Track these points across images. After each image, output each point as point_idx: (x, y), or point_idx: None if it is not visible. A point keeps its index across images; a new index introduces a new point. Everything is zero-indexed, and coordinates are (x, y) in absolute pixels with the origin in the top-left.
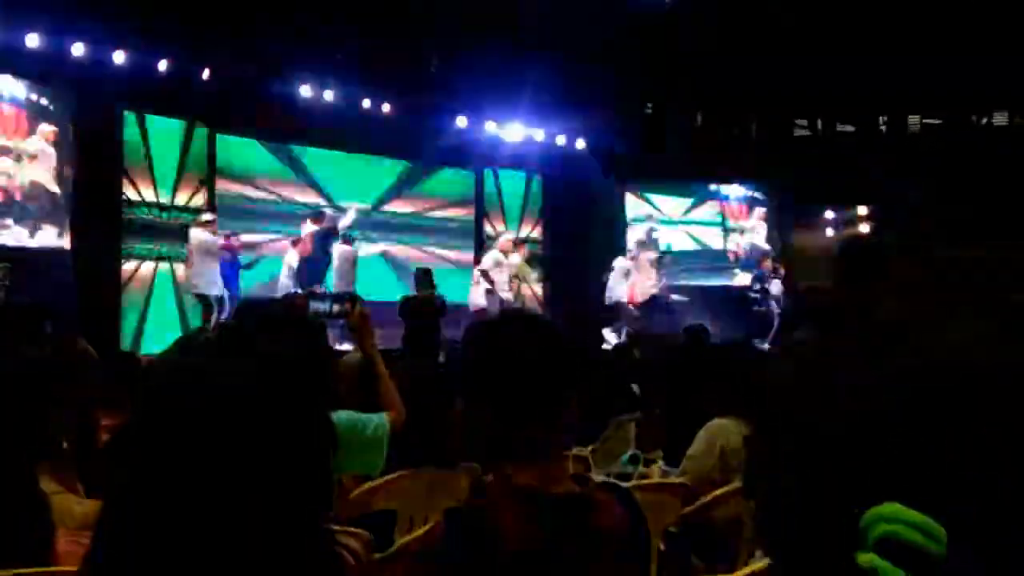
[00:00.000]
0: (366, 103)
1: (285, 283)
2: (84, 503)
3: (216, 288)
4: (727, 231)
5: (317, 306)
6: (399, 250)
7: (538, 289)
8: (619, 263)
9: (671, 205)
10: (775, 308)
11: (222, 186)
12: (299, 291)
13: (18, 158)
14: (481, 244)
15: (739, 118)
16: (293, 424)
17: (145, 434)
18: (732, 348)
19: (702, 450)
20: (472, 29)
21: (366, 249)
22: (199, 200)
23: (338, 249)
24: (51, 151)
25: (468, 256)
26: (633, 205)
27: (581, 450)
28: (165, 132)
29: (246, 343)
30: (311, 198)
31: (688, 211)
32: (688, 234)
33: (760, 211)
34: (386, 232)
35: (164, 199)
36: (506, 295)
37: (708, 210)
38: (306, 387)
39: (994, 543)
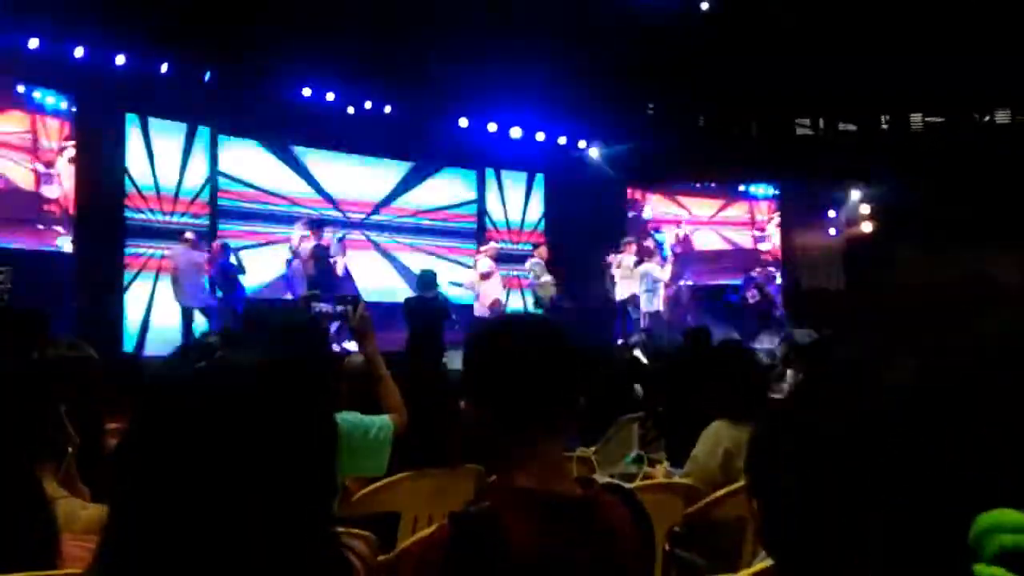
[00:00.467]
0: (367, 104)
1: (286, 290)
2: (89, 507)
3: (198, 301)
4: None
5: (319, 308)
6: (401, 251)
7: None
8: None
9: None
10: (763, 306)
11: (224, 188)
12: (303, 293)
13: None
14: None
15: (741, 118)
16: (297, 427)
17: (149, 438)
18: (732, 348)
19: (705, 451)
20: (473, 29)
21: (368, 252)
22: (201, 203)
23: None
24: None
25: (471, 257)
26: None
27: (584, 451)
28: (167, 134)
29: (248, 348)
30: (313, 200)
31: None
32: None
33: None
34: (388, 233)
35: (166, 202)
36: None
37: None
38: (309, 390)
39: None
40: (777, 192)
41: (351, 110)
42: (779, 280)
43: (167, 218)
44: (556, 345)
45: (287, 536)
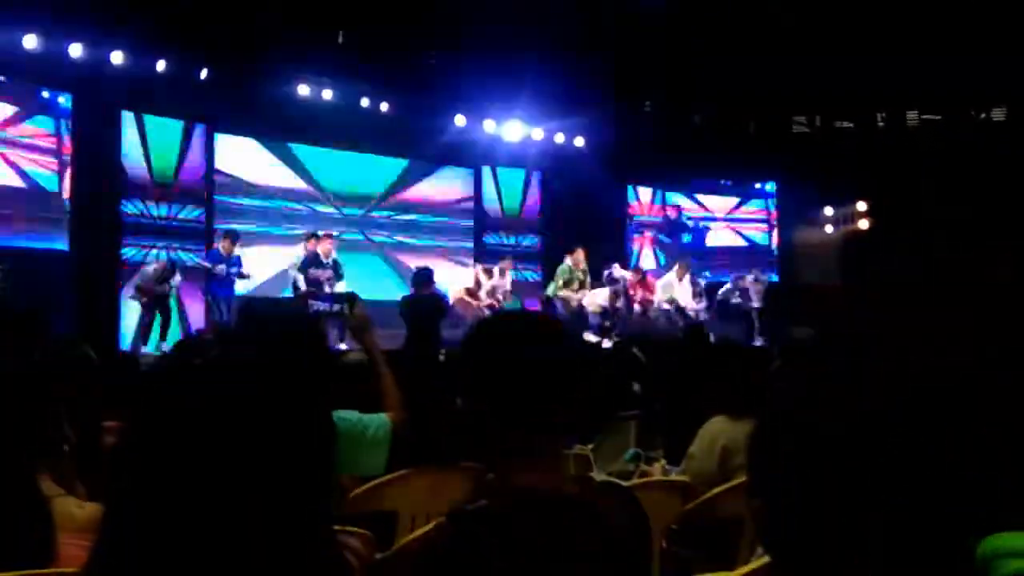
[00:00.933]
0: (365, 102)
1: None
2: (86, 506)
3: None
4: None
5: (317, 306)
6: (398, 250)
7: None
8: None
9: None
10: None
11: (221, 185)
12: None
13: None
14: (481, 243)
15: (738, 115)
16: (294, 425)
17: (146, 436)
18: (732, 347)
19: (702, 448)
20: (471, 27)
21: (365, 249)
22: (198, 199)
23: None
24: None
25: (467, 255)
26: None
27: (582, 448)
28: (164, 132)
29: (246, 345)
30: (310, 197)
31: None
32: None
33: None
34: (385, 231)
35: (163, 199)
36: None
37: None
38: (307, 388)
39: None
40: (774, 189)
41: (348, 107)
42: (775, 278)
43: (164, 215)
44: (554, 342)
45: (284, 535)
